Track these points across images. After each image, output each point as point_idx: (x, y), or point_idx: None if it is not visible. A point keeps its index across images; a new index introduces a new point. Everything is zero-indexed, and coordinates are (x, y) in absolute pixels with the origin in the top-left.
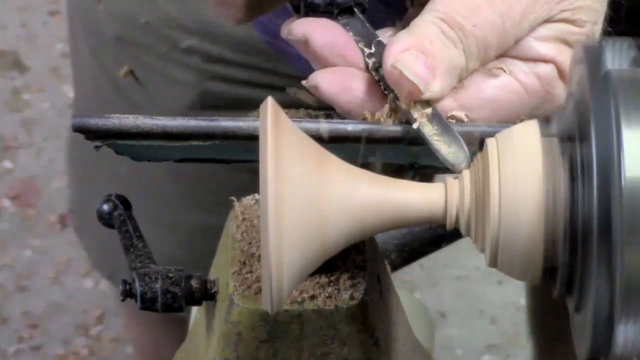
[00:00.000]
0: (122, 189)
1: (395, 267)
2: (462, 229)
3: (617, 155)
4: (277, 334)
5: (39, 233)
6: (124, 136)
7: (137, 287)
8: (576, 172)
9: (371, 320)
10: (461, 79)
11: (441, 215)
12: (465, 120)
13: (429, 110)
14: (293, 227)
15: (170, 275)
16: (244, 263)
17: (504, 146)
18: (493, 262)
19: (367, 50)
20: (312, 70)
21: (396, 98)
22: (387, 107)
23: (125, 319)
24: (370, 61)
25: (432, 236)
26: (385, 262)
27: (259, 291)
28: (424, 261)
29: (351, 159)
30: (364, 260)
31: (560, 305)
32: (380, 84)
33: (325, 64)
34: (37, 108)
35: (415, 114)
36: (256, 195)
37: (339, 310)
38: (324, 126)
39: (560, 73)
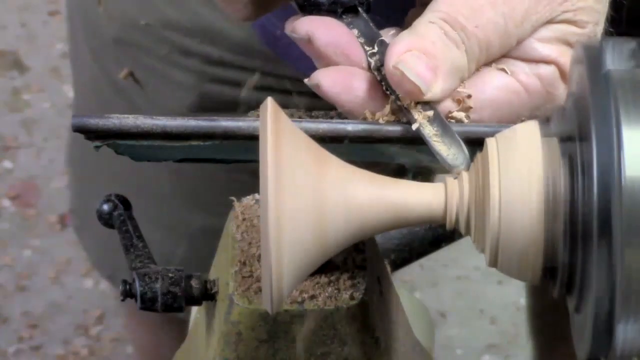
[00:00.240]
0: (122, 189)
1: (395, 267)
2: (462, 229)
3: (617, 155)
4: (277, 334)
5: (39, 233)
6: (124, 136)
7: (137, 287)
8: (576, 172)
9: (371, 320)
10: (463, 80)
11: (441, 215)
12: (466, 121)
13: (430, 112)
14: (293, 227)
15: (170, 275)
16: (244, 263)
17: (504, 146)
18: (493, 262)
19: (370, 50)
20: (311, 73)
21: (397, 98)
22: (387, 107)
23: (125, 319)
24: (373, 60)
25: (432, 236)
26: (385, 262)
27: (259, 291)
28: (424, 261)
29: (351, 159)
30: (364, 260)
31: (561, 305)
32: (382, 84)
33: (328, 63)
34: (37, 108)
35: (416, 115)
36: (256, 195)
37: (339, 310)
38: (324, 126)
39: (562, 74)
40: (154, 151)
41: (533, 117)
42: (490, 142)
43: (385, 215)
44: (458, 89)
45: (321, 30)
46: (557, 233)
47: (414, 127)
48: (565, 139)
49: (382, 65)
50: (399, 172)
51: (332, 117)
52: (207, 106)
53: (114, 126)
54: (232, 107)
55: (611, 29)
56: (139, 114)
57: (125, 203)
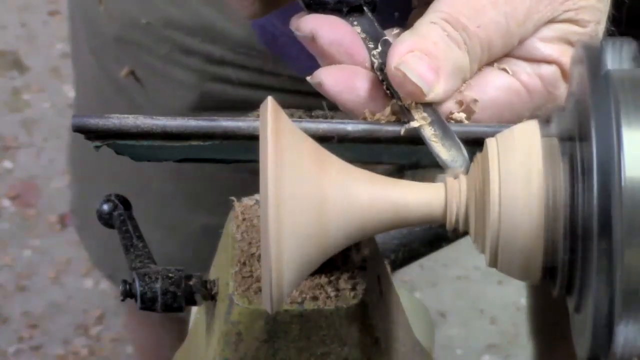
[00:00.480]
0: (123, 188)
1: (395, 267)
2: (462, 229)
3: (617, 155)
4: (277, 334)
5: (39, 233)
6: (124, 136)
7: (137, 287)
8: (576, 172)
9: (371, 320)
10: (465, 80)
11: (441, 215)
12: (466, 122)
13: (430, 114)
14: (293, 227)
15: (170, 275)
16: (244, 263)
17: (504, 146)
18: (493, 262)
19: (374, 49)
20: (311, 72)
21: (399, 99)
22: (388, 108)
23: (125, 319)
24: (377, 60)
25: (432, 236)
26: (385, 262)
27: (259, 291)
28: (424, 261)
29: (352, 159)
30: (364, 260)
31: (561, 305)
32: (384, 84)
33: (332, 62)
34: (37, 108)
35: (416, 116)
36: (256, 196)
37: (339, 310)
38: (324, 126)
39: (564, 74)
40: (154, 151)
41: (534, 117)
42: (490, 142)
43: (385, 215)
44: (461, 90)
45: (325, 29)
46: (557, 233)
47: (414, 125)
48: (565, 139)
49: (385, 65)
50: (399, 172)
51: (332, 117)
52: (208, 105)
53: (114, 126)
54: (233, 106)
55: (612, 28)
56: (140, 112)
57: (125, 203)
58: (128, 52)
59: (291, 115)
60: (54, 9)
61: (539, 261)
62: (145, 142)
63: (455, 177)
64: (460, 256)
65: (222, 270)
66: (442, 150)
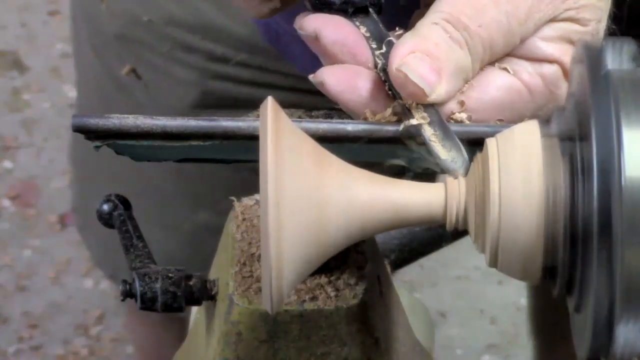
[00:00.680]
0: (124, 187)
1: (395, 267)
2: (462, 229)
3: (617, 155)
4: (277, 334)
5: (39, 233)
6: (124, 136)
7: (137, 287)
8: (576, 172)
9: (371, 320)
10: (467, 81)
11: (441, 215)
12: (467, 122)
13: (431, 114)
14: (293, 227)
15: (170, 275)
16: (244, 263)
17: (504, 146)
18: (493, 262)
19: (378, 50)
20: (314, 71)
21: (400, 99)
22: (389, 108)
23: (125, 319)
24: (380, 61)
25: (432, 236)
26: (385, 262)
27: (259, 291)
28: (424, 261)
29: (351, 159)
30: (364, 260)
31: (561, 305)
32: (387, 85)
33: (335, 61)
34: (37, 108)
35: (417, 116)
36: (256, 196)
37: (339, 310)
38: (324, 126)
39: (565, 73)
40: (154, 151)
41: (535, 117)
42: (490, 142)
43: (385, 215)
44: (463, 91)
45: (329, 29)
46: (557, 233)
47: (412, 122)
48: (566, 139)
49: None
50: (399, 172)
51: (332, 117)
52: (209, 103)
53: (114, 126)
54: (234, 104)
55: (613, 26)
56: (141, 110)
57: (125, 203)
58: (129, 50)
59: (291, 115)
60: (54, 9)
61: (539, 261)
62: (145, 142)
63: (455, 177)
64: (460, 256)
65: (222, 270)
66: (442, 150)
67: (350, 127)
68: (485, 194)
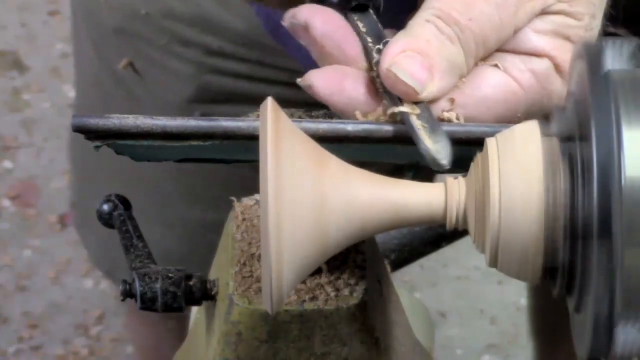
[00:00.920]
0: (123, 185)
1: (395, 267)
2: (462, 229)
3: (617, 155)
4: (277, 334)
5: (39, 233)
6: (124, 136)
7: (137, 287)
8: (576, 172)
9: (371, 320)
10: (462, 77)
11: (441, 215)
12: (455, 121)
13: (422, 110)
14: (293, 227)
15: (170, 275)
16: (244, 263)
17: (504, 146)
18: (493, 262)
19: (375, 47)
20: (312, 64)
21: (391, 98)
22: (380, 108)
23: (125, 319)
24: (378, 56)
25: (432, 236)
26: (385, 262)
27: (259, 291)
28: (424, 261)
29: (351, 159)
30: (364, 260)
31: (561, 305)
32: (378, 81)
33: (322, 53)
34: (37, 108)
35: (406, 109)
36: (256, 196)
37: (339, 310)
38: (324, 126)
39: (557, 68)
40: (153, 151)
41: (530, 113)
42: (490, 142)
43: (385, 215)
44: (458, 86)
45: (318, 19)
46: (557, 233)
47: (401, 109)
48: (566, 139)
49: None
50: (399, 172)
51: (332, 117)
52: (206, 97)
53: (114, 126)
54: (231, 99)
55: (608, 23)
56: (139, 105)
57: (125, 203)
58: (127, 44)
59: (291, 115)
60: (54, 9)
61: (539, 261)
62: (145, 142)
63: (456, 176)
64: (460, 256)
65: (222, 270)
66: (428, 140)
67: (350, 127)
68: (485, 194)
